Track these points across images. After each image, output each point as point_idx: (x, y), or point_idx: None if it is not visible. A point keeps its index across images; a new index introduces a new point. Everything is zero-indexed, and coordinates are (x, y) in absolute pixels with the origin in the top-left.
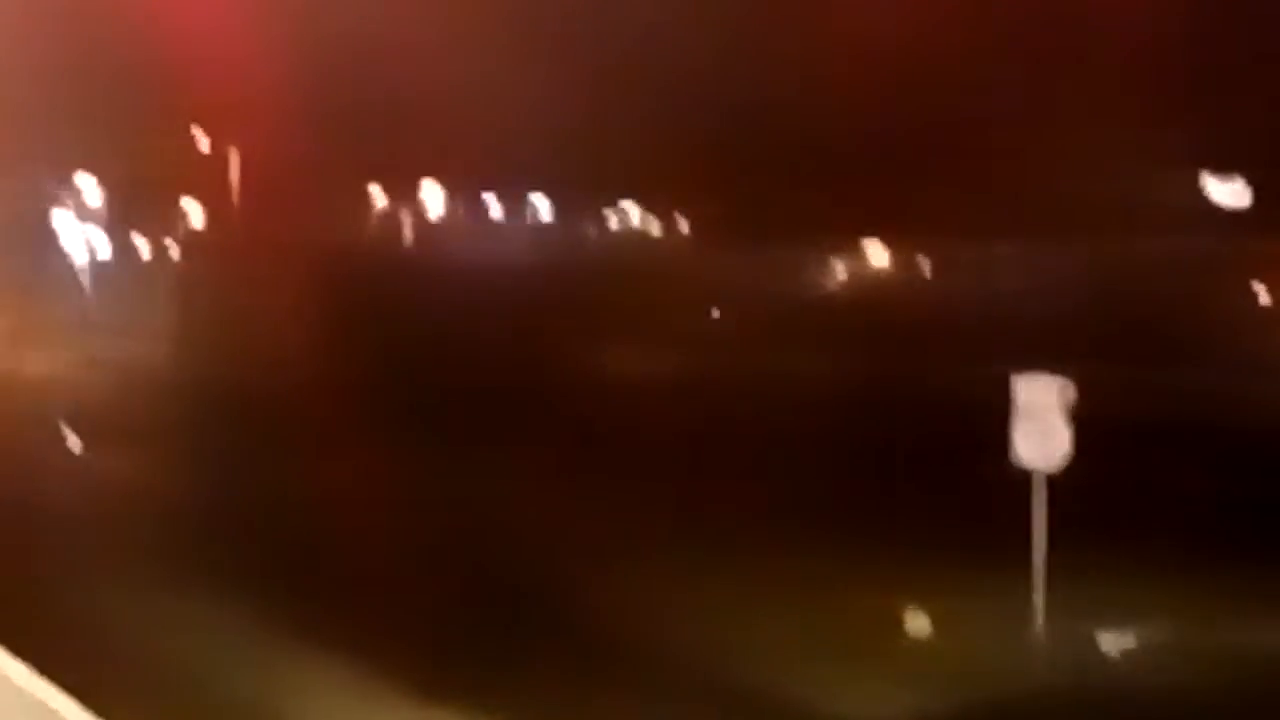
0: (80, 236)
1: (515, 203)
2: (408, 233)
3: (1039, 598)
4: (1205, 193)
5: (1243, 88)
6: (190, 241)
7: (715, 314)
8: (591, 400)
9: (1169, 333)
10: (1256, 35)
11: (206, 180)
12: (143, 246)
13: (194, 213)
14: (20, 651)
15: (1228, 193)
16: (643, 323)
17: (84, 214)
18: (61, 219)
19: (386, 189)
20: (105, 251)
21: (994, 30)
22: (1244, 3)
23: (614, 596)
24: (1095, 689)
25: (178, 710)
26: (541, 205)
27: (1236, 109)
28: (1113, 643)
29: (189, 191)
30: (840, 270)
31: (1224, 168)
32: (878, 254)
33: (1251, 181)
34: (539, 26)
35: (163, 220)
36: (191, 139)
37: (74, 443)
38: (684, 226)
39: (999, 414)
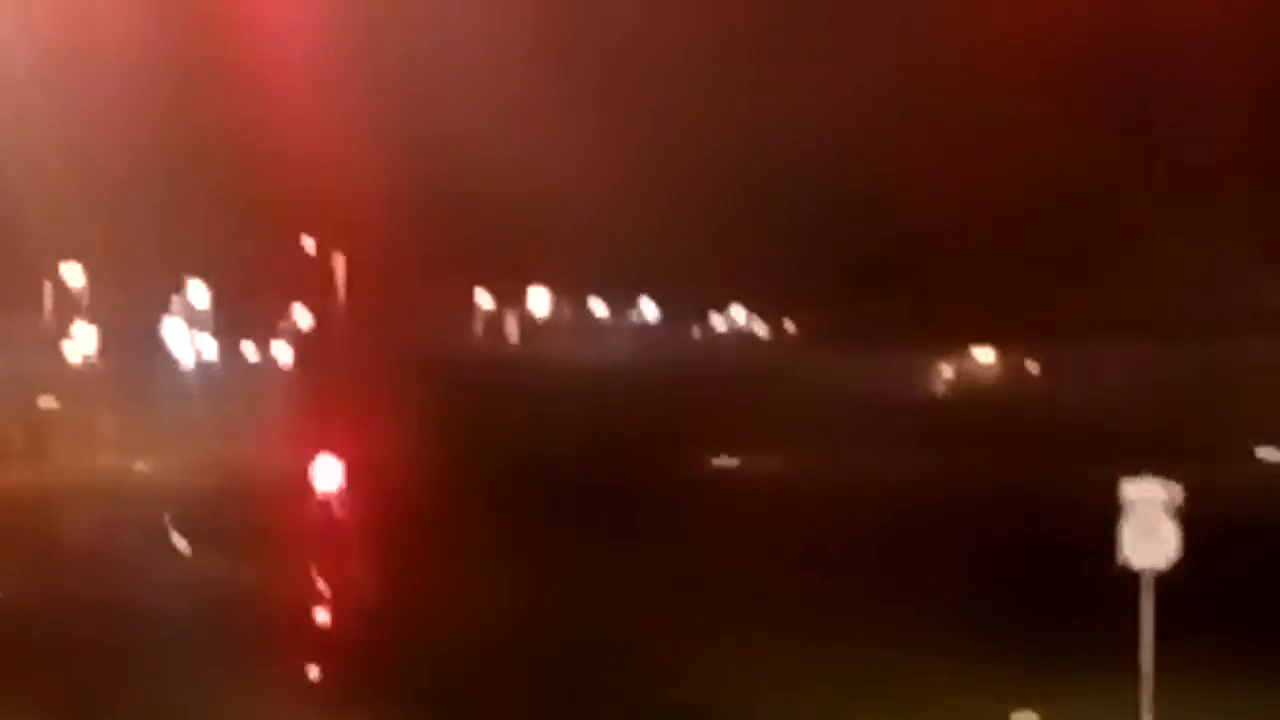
0: (189, 341)
1: (622, 307)
2: (513, 334)
3: (1147, 699)
4: None
5: None
6: (297, 345)
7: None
8: (698, 497)
9: (1276, 432)
10: None
11: (314, 285)
12: (250, 351)
13: (301, 317)
14: None
15: None
16: (751, 423)
17: (193, 319)
18: (171, 324)
19: (493, 293)
20: (213, 356)
21: (1096, 138)
22: None
23: (720, 693)
24: None
25: None
26: (649, 311)
27: None
28: None
29: (296, 296)
30: (948, 372)
31: None
32: (985, 357)
33: None
34: (646, 135)
35: (270, 324)
36: (299, 245)
37: (182, 546)
38: (791, 330)
39: (1107, 515)
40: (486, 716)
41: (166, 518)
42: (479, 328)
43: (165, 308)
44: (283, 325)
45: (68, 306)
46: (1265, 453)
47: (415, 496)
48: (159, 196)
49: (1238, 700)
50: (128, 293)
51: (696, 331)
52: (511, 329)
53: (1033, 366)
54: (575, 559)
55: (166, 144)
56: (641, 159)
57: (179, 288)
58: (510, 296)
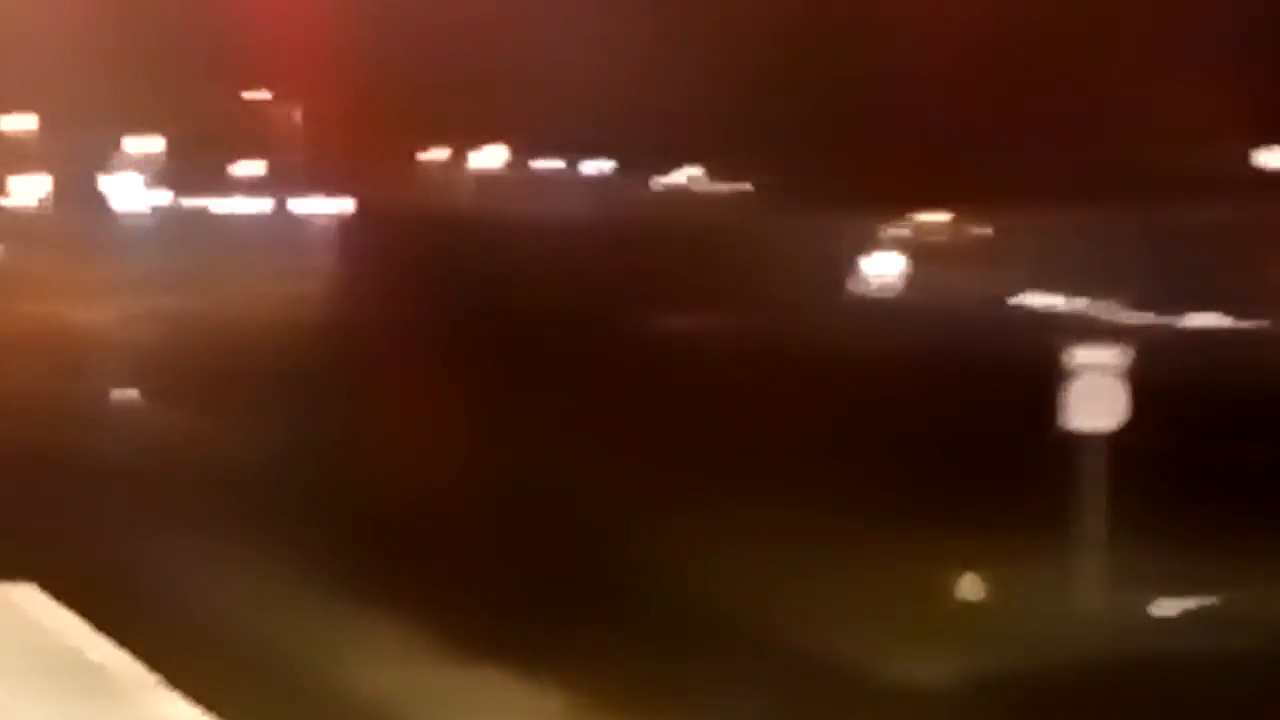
0: (135, 193)
1: (575, 168)
2: (466, 192)
3: (1091, 563)
4: (1260, 161)
5: None
6: (245, 198)
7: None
8: (647, 357)
9: (1225, 299)
10: None
11: (262, 138)
12: (196, 204)
13: (248, 171)
14: (67, 603)
15: None
16: (701, 283)
17: (139, 171)
18: (117, 176)
19: (446, 149)
20: (159, 208)
21: (1053, 2)
22: None
23: (665, 556)
24: (1147, 655)
25: (224, 665)
26: (604, 171)
27: None
28: (1165, 610)
29: (244, 150)
30: (899, 235)
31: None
32: (938, 223)
33: None
34: None
35: (217, 178)
36: (248, 97)
37: (123, 397)
38: (746, 192)
39: (1054, 378)
40: (433, 566)
41: (110, 369)
42: (429, 180)
43: (111, 159)
44: (233, 177)
45: (17, 155)
46: (1196, 317)
47: (366, 351)
48: (105, 47)
49: (1183, 563)
50: (79, 142)
51: (649, 188)
52: (463, 183)
53: (984, 231)
54: (536, 416)
55: None
56: (600, 17)
57: (124, 139)
58: (463, 154)
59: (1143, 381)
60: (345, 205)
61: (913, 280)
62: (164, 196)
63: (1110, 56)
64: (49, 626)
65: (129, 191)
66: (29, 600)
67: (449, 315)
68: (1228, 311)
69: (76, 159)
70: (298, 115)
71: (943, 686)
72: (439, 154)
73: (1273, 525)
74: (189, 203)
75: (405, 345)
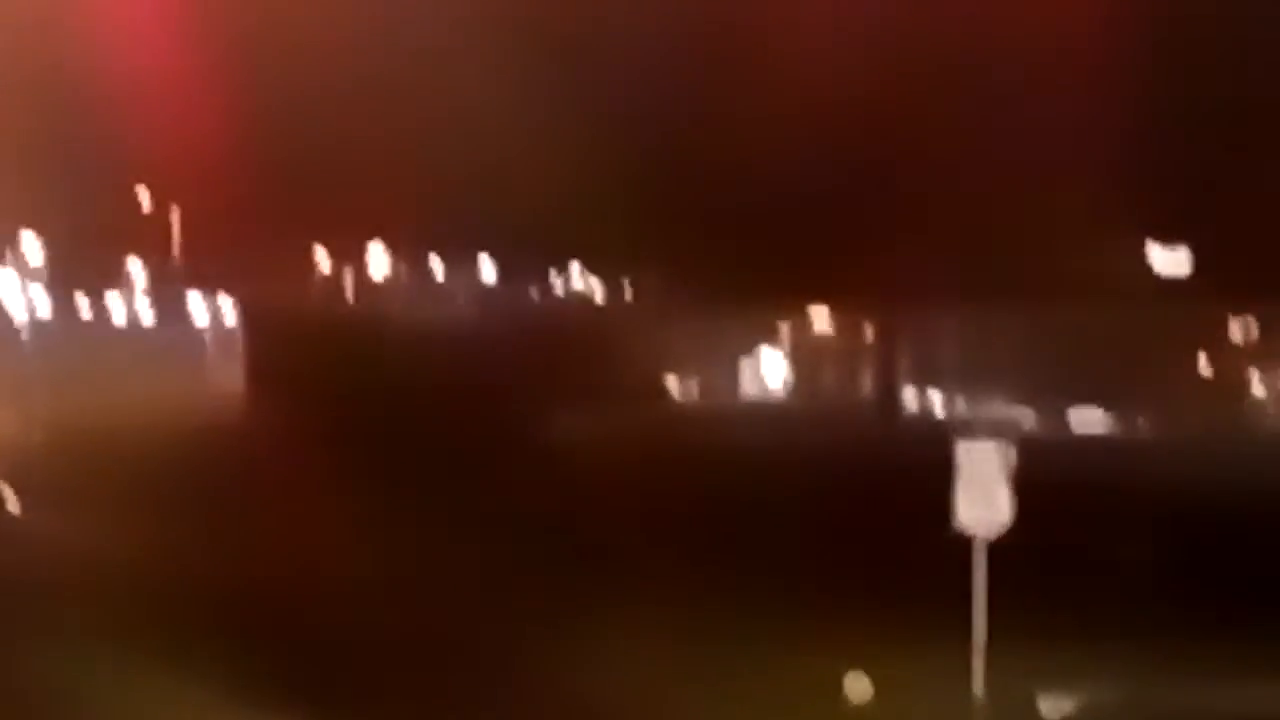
0: (20, 294)
1: (461, 264)
2: (351, 294)
3: (979, 662)
4: (1149, 262)
5: (1187, 162)
6: (131, 300)
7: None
8: (536, 465)
9: (1111, 399)
10: (1200, 113)
11: (149, 238)
12: (84, 305)
13: (136, 271)
14: None
15: (1171, 262)
16: (587, 388)
17: (24, 271)
18: (1, 276)
19: (330, 248)
20: (45, 310)
21: (941, 102)
22: (1190, 79)
23: (561, 658)
24: None
25: None
26: (487, 267)
27: (1181, 181)
28: (1052, 707)
29: (131, 249)
30: (784, 336)
31: (1168, 238)
32: (821, 321)
33: (1194, 252)
34: (488, 87)
35: (104, 278)
36: (135, 196)
37: (12, 504)
38: (629, 291)
39: (942, 479)
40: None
41: None
42: (317, 284)
43: None
44: (117, 279)
45: None
46: (1080, 416)
47: (248, 459)
48: None
49: (1069, 661)
50: None
51: (535, 295)
52: (349, 288)
53: (868, 330)
54: (409, 526)
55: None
56: (483, 113)
57: (8, 238)
58: (348, 252)
59: (1028, 478)
60: (229, 309)
61: (796, 380)
62: (42, 297)
63: (994, 156)
64: None
65: (7, 290)
66: None
67: (333, 419)
68: (1111, 410)
69: None
70: (179, 214)
71: None
72: (324, 258)
73: (1155, 622)
74: (69, 304)
75: (291, 452)
